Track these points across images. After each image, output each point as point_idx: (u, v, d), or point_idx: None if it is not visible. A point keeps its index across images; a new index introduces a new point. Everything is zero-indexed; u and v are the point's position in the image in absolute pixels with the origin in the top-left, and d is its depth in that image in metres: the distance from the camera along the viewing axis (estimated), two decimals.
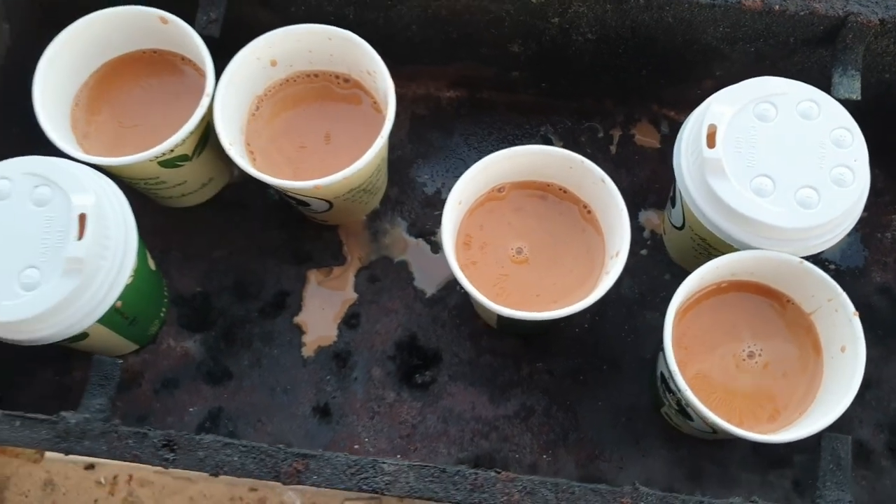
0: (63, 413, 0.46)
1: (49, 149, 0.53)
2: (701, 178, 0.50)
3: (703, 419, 0.49)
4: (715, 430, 0.50)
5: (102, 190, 0.50)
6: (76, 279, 0.46)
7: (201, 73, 0.57)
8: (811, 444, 0.49)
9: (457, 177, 0.64)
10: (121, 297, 0.50)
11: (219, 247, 0.63)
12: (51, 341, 0.49)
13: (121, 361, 0.49)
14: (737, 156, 0.50)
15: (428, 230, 0.63)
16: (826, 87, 0.53)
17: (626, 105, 0.66)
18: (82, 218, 0.47)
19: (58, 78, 0.55)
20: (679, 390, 0.49)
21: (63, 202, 0.48)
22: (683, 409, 0.51)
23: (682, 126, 0.53)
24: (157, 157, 0.52)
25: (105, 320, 0.50)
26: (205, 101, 0.53)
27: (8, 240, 0.48)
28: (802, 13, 0.54)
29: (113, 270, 0.49)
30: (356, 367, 0.59)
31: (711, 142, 0.50)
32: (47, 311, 0.46)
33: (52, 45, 0.54)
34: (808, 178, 0.50)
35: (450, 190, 0.64)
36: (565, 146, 0.65)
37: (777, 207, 0.49)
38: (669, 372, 0.49)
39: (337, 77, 0.58)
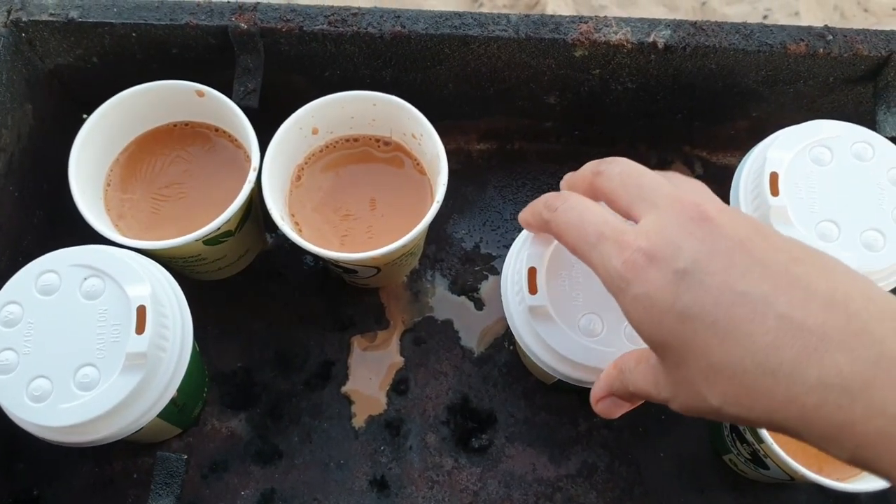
0: None
1: (76, 231, 0.50)
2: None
3: (788, 471, 0.48)
4: (793, 478, 0.49)
5: (155, 277, 0.48)
6: (138, 376, 0.44)
7: (237, 145, 0.55)
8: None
9: (494, 230, 0.64)
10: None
11: (256, 318, 0.60)
12: (109, 441, 0.46)
13: (185, 456, 0.47)
14: (798, 202, 0.50)
15: (470, 286, 0.62)
16: (861, 121, 0.54)
17: (658, 148, 0.65)
18: (141, 310, 0.45)
19: (91, 159, 0.53)
20: (763, 441, 0.48)
21: (115, 293, 0.45)
22: (760, 459, 0.51)
23: (737, 174, 0.53)
24: (203, 237, 0.50)
25: (160, 413, 0.48)
26: (252, 176, 0.51)
27: (60, 338, 0.45)
28: (846, 55, 0.54)
29: (173, 361, 0.47)
30: (410, 435, 0.58)
31: (774, 189, 0.49)
32: (109, 411, 0.44)
33: (87, 124, 0.52)
34: (871, 221, 0.49)
35: (488, 244, 0.63)
36: None
37: (844, 252, 0.49)
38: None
39: (377, 141, 0.56)
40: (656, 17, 0.98)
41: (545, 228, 0.42)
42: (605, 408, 0.42)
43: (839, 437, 0.31)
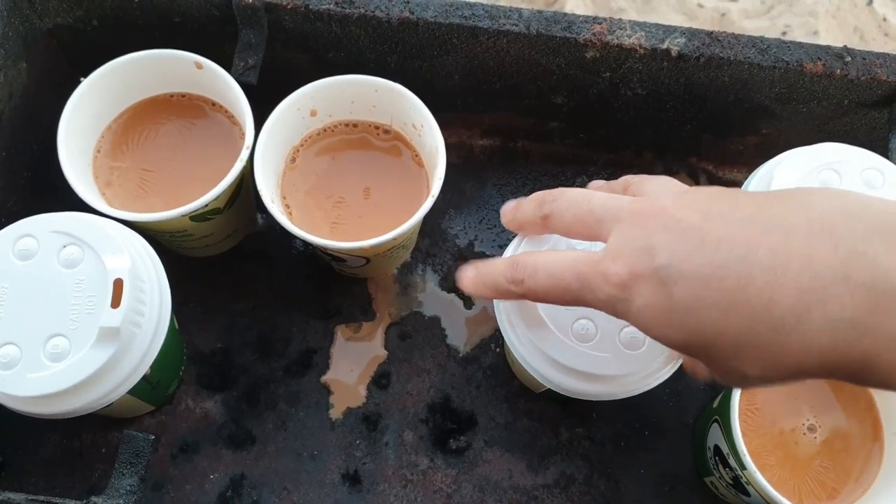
0: (94, 499, 0.42)
1: (63, 196, 0.49)
2: None
3: (769, 500, 0.47)
4: None
5: (136, 250, 0.46)
6: (110, 350, 0.43)
7: (233, 121, 0.54)
8: None
9: (490, 229, 0.62)
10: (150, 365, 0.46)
11: (241, 300, 0.59)
12: (77, 415, 0.45)
13: (152, 437, 0.45)
14: None
15: None
16: (872, 147, 0.52)
17: (664, 158, 0.64)
18: (118, 283, 0.43)
19: (82, 123, 0.51)
20: (744, 468, 0.47)
21: (94, 264, 0.44)
22: (742, 485, 0.49)
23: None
24: (190, 213, 0.49)
25: (132, 389, 0.46)
26: (244, 154, 0.49)
27: (33, 305, 0.43)
28: (864, 78, 0.52)
29: (147, 338, 0.45)
30: (387, 431, 0.56)
31: None
32: (77, 385, 0.42)
33: (80, 88, 0.50)
34: None
35: (483, 242, 0.62)
36: None
37: None
38: (733, 450, 0.47)
39: (377, 128, 0.55)
40: (674, 24, 0.97)
41: (516, 296, 0.42)
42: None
43: (863, 372, 0.31)
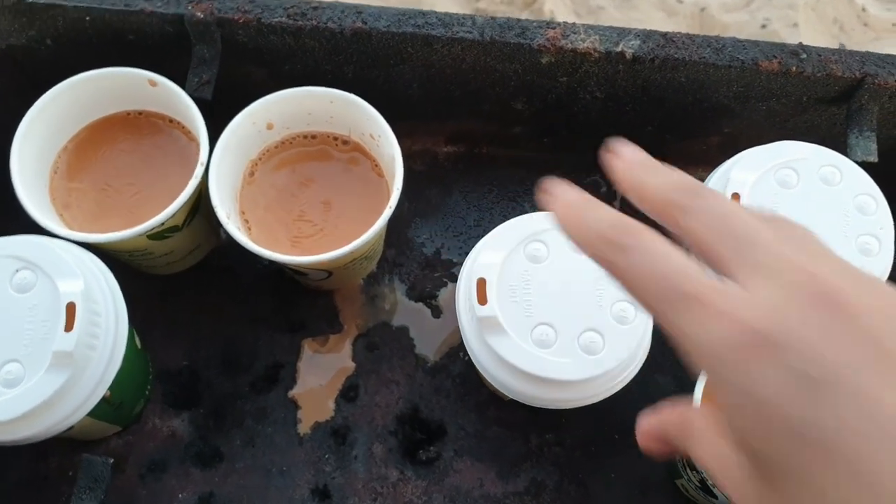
0: None
1: (21, 217, 0.48)
2: None
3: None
4: None
5: (91, 272, 0.46)
6: (64, 374, 0.42)
7: (190, 137, 0.54)
8: None
9: (456, 236, 0.62)
10: (109, 387, 0.46)
11: (206, 316, 0.59)
12: (32, 441, 0.44)
13: (111, 460, 0.45)
14: None
15: (428, 293, 0.60)
16: (834, 143, 0.52)
17: None
18: (70, 307, 0.43)
19: (37, 144, 0.51)
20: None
21: (48, 287, 0.44)
22: (709, 488, 0.49)
23: None
24: (147, 231, 0.48)
25: (92, 412, 0.46)
26: (199, 171, 0.49)
27: None
28: (819, 74, 0.52)
29: (103, 361, 0.45)
30: (356, 444, 0.56)
31: None
32: (32, 411, 0.42)
33: (34, 107, 0.50)
34: (835, 248, 0.48)
35: (449, 250, 0.62)
36: None
37: None
38: None
39: (335, 139, 0.55)
40: (655, 21, 0.96)
41: (606, 266, 0.31)
42: (647, 446, 0.36)
43: None
